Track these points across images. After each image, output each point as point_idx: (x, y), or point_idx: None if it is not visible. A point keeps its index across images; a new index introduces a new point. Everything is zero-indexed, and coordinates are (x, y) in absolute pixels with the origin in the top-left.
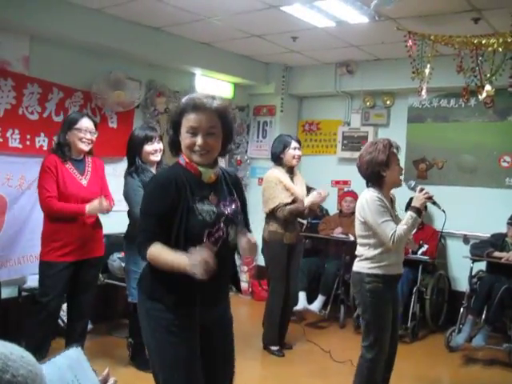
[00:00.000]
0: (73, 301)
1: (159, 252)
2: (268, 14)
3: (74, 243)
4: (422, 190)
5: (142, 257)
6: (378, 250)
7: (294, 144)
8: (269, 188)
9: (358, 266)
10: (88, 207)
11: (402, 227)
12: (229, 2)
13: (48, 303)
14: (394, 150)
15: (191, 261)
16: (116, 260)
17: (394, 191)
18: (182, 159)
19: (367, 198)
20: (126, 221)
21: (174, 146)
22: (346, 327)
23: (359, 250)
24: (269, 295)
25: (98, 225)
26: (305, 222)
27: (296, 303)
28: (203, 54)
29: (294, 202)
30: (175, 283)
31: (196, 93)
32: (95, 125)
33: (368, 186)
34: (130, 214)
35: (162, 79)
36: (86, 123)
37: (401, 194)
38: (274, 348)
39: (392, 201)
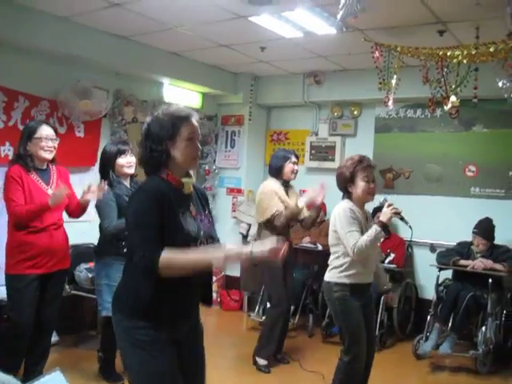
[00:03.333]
0: (37, 315)
1: (174, 256)
2: (236, 24)
3: (42, 255)
4: (390, 205)
5: (151, 271)
6: (346, 259)
7: (293, 159)
8: (265, 199)
9: (328, 276)
10: (50, 200)
11: (364, 239)
12: (197, 12)
13: (19, 318)
14: (364, 167)
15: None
16: (83, 271)
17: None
18: (163, 172)
19: (341, 207)
20: (92, 231)
21: (162, 160)
22: (314, 336)
23: (330, 259)
24: (272, 309)
25: (63, 235)
26: None
27: (288, 318)
28: (171, 64)
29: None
30: (156, 298)
31: (170, 104)
32: (55, 131)
33: (343, 198)
34: (100, 227)
35: (129, 88)
36: (45, 131)
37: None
38: (263, 362)
39: (367, 218)
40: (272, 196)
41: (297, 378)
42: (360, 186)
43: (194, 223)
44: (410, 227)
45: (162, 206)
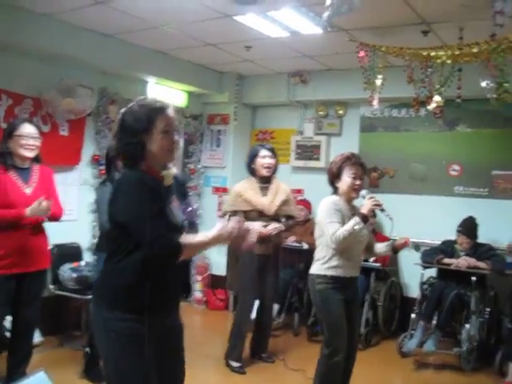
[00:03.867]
0: (16, 316)
1: (190, 239)
2: (222, 23)
3: (14, 254)
4: (371, 197)
5: (176, 255)
6: (328, 251)
7: (263, 152)
8: (228, 198)
9: (312, 268)
10: (28, 209)
11: (343, 229)
12: (182, 11)
13: None
14: (351, 164)
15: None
16: (67, 271)
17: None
18: (142, 164)
19: (326, 201)
20: (77, 230)
21: (138, 152)
22: (300, 335)
23: (315, 252)
24: (237, 309)
25: (41, 235)
26: None
27: (270, 317)
28: (157, 62)
29: (258, 212)
30: (139, 290)
31: (145, 97)
32: (39, 130)
33: (332, 193)
34: (100, 224)
35: (114, 87)
36: (26, 129)
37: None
38: (236, 364)
39: (355, 213)
40: (234, 197)
41: (280, 377)
42: (345, 182)
43: (178, 214)
44: (391, 218)
45: (151, 197)
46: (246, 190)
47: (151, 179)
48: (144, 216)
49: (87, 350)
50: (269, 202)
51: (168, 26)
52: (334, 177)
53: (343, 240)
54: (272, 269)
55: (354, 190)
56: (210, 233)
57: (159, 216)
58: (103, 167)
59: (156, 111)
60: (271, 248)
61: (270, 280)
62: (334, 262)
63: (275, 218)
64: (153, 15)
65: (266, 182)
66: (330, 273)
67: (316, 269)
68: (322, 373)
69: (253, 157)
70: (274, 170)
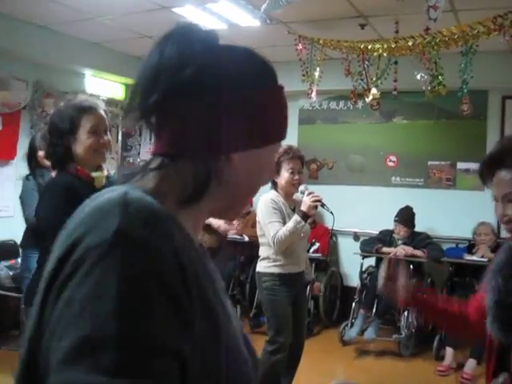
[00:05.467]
0: None
1: None
2: (159, 15)
3: None
4: (310, 193)
5: None
6: (273, 250)
7: None
8: None
9: (258, 266)
10: None
11: (283, 229)
12: (118, 2)
13: None
14: (290, 158)
15: None
16: (3, 269)
17: None
18: (72, 166)
19: (264, 199)
20: (13, 227)
21: (60, 155)
22: (242, 327)
23: (260, 250)
24: None
25: None
26: None
27: None
28: (93, 54)
29: None
30: None
31: (75, 95)
32: None
33: (271, 188)
34: (24, 219)
35: (50, 79)
36: None
37: None
38: None
39: (294, 209)
40: None
41: None
42: (284, 177)
43: None
44: (332, 213)
45: (69, 203)
46: None
47: (80, 182)
48: (54, 225)
49: None
50: None
51: (104, 17)
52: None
53: (285, 240)
54: (217, 262)
55: (293, 185)
56: None
57: None
58: None
59: (82, 111)
60: (217, 241)
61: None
62: (280, 260)
63: None
64: (88, 6)
65: None
66: (276, 270)
67: (262, 266)
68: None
69: None
70: None
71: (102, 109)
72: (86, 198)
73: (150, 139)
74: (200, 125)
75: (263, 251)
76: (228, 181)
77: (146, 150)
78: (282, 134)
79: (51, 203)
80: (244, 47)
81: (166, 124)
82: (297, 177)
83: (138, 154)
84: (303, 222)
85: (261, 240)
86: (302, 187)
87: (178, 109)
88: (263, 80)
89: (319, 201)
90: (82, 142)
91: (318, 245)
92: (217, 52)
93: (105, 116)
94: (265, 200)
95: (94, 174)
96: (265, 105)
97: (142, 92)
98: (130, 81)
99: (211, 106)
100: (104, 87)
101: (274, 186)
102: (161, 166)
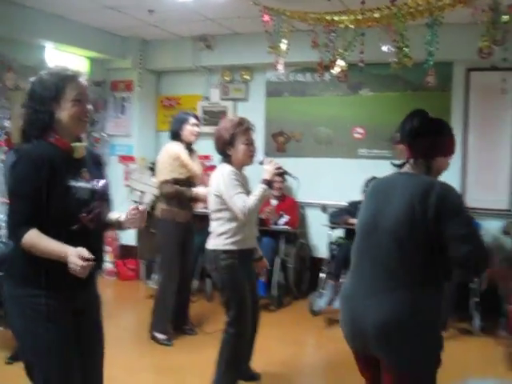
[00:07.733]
0: None
1: (38, 240)
2: None
3: None
4: (270, 161)
5: (16, 240)
6: (232, 225)
7: (192, 120)
8: (164, 162)
9: (213, 244)
10: None
11: (252, 198)
12: None
13: None
14: (244, 130)
15: (72, 262)
16: None
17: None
18: (51, 135)
19: (223, 172)
20: None
21: (43, 122)
22: (213, 300)
23: (213, 226)
24: (161, 279)
25: None
26: None
27: (190, 288)
28: (55, 27)
29: (189, 179)
30: (51, 266)
31: (56, 65)
32: None
33: (222, 161)
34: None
35: (10, 53)
36: None
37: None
38: (162, 337)
39: (245, 181)
40: (172, 160)
41: (198, 341)
42: (240, 149)
43: (86, 187)
44: (296, 178)
45: (43, 174)
46: (182, 152)
47: (57, 152)
48: (14, 198)
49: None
50: (199, 168)
51: None
52: (225, 144)
53: (255, 209)
54: (191, 237)
55: (250, 156)
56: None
57: (32, 200)
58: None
59: (66, 79)
60: (190, 215)
61: (190, 248)
62: (239, 236)
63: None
64: None
65: (189, 149)
66: (236, 247)
67: (220, 244)
68: (228, 351)
69: (181, 123)
70: None
71: (84, 78)
72: (62, 168)
73: (116, 113)
74: None
75: (220, 227)
76: None
77: (112, 124)
78: None
79: (23, 173)
80: None
81: None
82: (252, 148)
83: (103, 128)
84: (269, 190)
85: (217, 215)
86: (260, 157)
87: None
88: None
89: (280, 167)
90: (66, 110)
91: (287, 217)
92: None
93: (86, 85)
94: (224, 173)
95: (73, 144)
96: None
97: None
98: (93, 54)
99: None
100: (67, 61)
101: (227, 159)
102: None
